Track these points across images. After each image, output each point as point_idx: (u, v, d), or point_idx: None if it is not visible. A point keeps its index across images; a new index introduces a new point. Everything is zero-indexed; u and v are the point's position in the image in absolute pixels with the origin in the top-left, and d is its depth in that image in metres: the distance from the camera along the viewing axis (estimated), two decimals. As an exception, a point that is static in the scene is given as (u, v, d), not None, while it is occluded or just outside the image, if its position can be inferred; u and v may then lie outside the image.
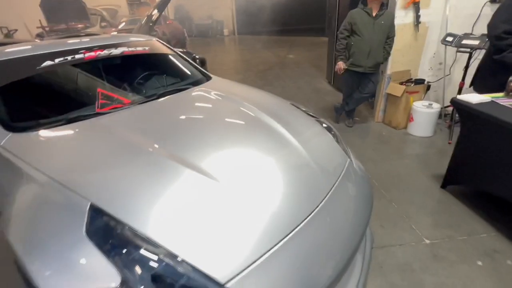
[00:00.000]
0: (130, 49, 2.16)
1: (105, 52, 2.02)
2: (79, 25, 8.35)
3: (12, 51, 1.78)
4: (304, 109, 1.96)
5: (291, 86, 5.32)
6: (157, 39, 2.56)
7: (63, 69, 1.83)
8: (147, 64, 2.23)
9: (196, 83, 2.17)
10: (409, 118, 3.23)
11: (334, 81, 5.04)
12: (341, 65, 3.15)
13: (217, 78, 2.37)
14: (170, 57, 2.43)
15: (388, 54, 3.12)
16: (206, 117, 1.64)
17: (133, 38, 2.37)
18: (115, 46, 2.11)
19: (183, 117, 1.65)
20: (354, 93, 3.34)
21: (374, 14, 2.94)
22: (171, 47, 2.57)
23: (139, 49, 2.21)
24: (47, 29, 8.42)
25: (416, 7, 3.07)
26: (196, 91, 1.98)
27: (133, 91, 1.93)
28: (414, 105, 3.14)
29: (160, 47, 2.44)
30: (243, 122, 1.59)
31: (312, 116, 1.87)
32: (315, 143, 1.56)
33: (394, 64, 3.32)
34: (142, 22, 6.30)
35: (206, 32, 14.60)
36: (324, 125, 1.79)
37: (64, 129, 1.45)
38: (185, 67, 2.41)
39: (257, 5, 12.95)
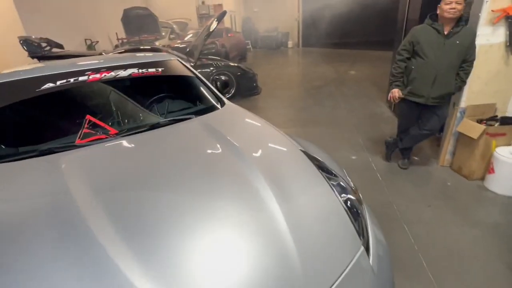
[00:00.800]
0: (141, 70, 2.00)
1: (111, 74, 1.89)
2: (150, 37, 9.08)
3: (16, 72, 1.77)
4: (318, 161, 1.47)
5: (342, 108, 4.72)
6: (178, 58, 2.39)
7: (60, 92, 1.74)
8: (155, 88, 2.04)
9: (203, 111, 1.89)
10: (489, 168, 2.42)
11: (396, 106, 4.27)
12: (396, 93, 2.53)
13: (229, 107, 2.05)
14: (183, 80, 2.22)
15: (463, 82, 2.40)
16: (180, 168, 1.30)
17: (151, 59, 2.22)
18: (125, 67, 1.98)
19: (155, 163, 1.34)
20: (411, 128, 2.67)
21: (446, 32, 2.28)
22: (191, 68, 2.35)
23: (151, 70, 2.04)
24: (124, 40, 9.41)
25: (510, 22, 2.29)
26: (192, 125, 1.70)
27: (126, 119, 1.75)
28: (497, 152, 2.34)
29: (177, 68, 2.25)
30: (222, 181, 1.21)
31: (330, 174, 1.38)
32: (310, 218, 1.10)
33: (473, 95, 2.55)
34: (199, 34, 6.47)
35: (271, 43, 14.60)
36: (338, 187, 1.30)
37: (15, 165, 1.32)
38: (197, 92, 2.17)
39: (323, 17, 12.42)
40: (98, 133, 1.56)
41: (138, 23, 8.99)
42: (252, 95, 5.79)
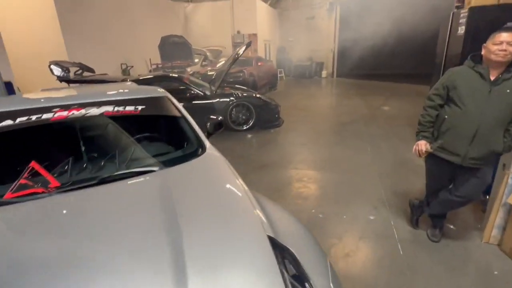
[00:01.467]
0: (116, 109, 1.78)
1: (81, 112, 1.69)
2: (183, 64, 9.37)
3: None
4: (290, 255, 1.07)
5: (368, 151, 4.19)
6: (168, 96, 2.16)
7: (17, 131, 1.55)
8: (129, 130, 1.80)
9: (175, 161, 1.60)
10: (555, 260, 1.78)
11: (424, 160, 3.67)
12: (422, 146, 2.03)
13: (208, 156, 1.72)
14: (165, 121, 1.97)
15: (517, 141, 1.86)
16: (104, 248, 0.99)
17: (135, 94, 2.02)
18: (100, 104, 1.78)
19: (77, 240, 1.05)
20: (440, 191, 2.13)
21: (493, 78, 1.80)
22: (179, 107, 2.10)
23: (129, 109, 1.82)
24: (159, 65, 9.82)
25: None
26: (147, 183, 1.41)
27: (78, 169, 1.50)
28: None
29: (161, 107, 2.01)
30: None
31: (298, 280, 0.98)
32: None
33: (530, 157, 1.97)
34: (224, 63, 6.43)
35: (304, 73, 14.46)
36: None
37: None
38: (178, 136, 1.90)
39: (359, 48, 12.03)
40: (35, 186, 1.32)
41: (173, 50, 9.36)
42: (273, 127, 5.49)
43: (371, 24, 10.99)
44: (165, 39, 9.23)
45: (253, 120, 5.36)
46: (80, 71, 5.61)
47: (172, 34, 9.35)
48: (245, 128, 5.36)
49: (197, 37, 12.88)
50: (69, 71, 4.76)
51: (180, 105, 2.11)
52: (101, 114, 1.72)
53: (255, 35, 12.11)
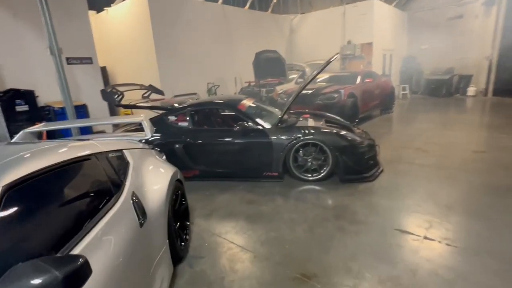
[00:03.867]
0: None
1: None
2: (273, 81, 8.32)
3: None
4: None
5: None
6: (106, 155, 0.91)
7: None
8: None
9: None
10: None
11: None
12: None
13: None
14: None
15: None
16: None
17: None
18: None
19: None
20: None
21: None
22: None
23: None
24: (252, 83, 9.11)
25: None
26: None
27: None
28: None
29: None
30: None
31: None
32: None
33: None
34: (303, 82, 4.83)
35: (439, 89, 10.97)
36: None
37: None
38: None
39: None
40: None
41: (267, 66, 8.46)
42: (360, 181, 3.55)
43: None
44: (259, 54, 8.43)
45: (328, 168, 3.59)
46: (148, 93, 5.29)
47: (267, 49, 8.45)
48: (314, 177, 3.65)
49: (301, 51, 11.68)
50: (116, 96, 4.35)
51: None
52: None
53: (369, 44, 9.86)
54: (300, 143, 3.57)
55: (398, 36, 11.63)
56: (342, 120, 4.68)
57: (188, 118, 3.96)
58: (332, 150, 3.51)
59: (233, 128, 3.73)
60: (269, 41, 10.69)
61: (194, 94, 8.32)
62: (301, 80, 8.85)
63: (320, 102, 6.11)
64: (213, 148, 3.81)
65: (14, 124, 4.73)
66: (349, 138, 3.61)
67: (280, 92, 7.64)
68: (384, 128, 6.62)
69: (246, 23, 9.94)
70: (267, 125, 3.77)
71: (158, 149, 2.80)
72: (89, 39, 5.95)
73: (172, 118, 4.05)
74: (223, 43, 9.05)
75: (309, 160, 3.66)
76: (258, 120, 3.80)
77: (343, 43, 10.48)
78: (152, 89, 5.29)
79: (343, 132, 3.67)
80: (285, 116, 3.96)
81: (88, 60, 5.91)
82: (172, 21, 7.68)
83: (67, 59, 5.67)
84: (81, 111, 5.30)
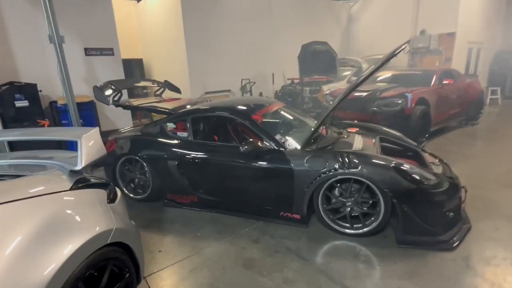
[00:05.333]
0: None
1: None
2: (320, 79, 6.99)
3: None
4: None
5: None
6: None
7: None
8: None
9: None
10: None
11: None
12: None
13: None
14: None
15: None
16: None
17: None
18: None
19: None
20: None
21: None
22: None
23: None
24: (295, 80, 7.88)
25: None
26: None
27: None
28: None
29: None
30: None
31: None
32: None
33: None
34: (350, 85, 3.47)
35: (546, 95, 8.33)
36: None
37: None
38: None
39: None
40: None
41: (314, 61, 7.17)
42: (430, 248, 2.21)
43: None
44: (306, 47, 7.17)
45: (378, 221, 2.31)
46: (161, 90, 4.50)
47: (315, 40, 7.12)
48: (354, 230, 2.41)
49: (360, 44, 9.98)
50: (118, 94, 3.59)
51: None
52: None
53: (450, 35, 7.78)
54: (336, 178, 2.34)
55: (490, 25, 9.14)
56: (406, 139, 3.27)
57: (189, 127, 3.03)
58: (385, 194, 2.22)
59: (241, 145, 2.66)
60: (322, 32, 9.27)
61: (228, 91, 7.44)
62: (355, 78, 7.32)
63: (376, 109, 4.63)
64: (215, 169, 2.80)
65: (14, 124, 4.28)
66: (417, 176, 2.25)
67: (326, 92, 6.31)
68: (466, 148, 4.84)
69: (294, 11, 8.66)
70: (290, 145, 2.61)
71: (111, 183, 1.83)
72: (111, 28, 5.41)
73: (171, 125, 3.16)
74: (264, 35, 7.95)
75: (348, 203, 2.42)
76: (277, 138, 2.66)
77: (414, 34, 8.52)
78: (167, 85, 4.50)
79: (406, 166, 2.32)
80: (321, 129, 2.76)
81: (109, 51, 5.38)
82: (206, 11, 6.85)
83: (86, 50, 5.20)
84: (87, 108, 4.76)
